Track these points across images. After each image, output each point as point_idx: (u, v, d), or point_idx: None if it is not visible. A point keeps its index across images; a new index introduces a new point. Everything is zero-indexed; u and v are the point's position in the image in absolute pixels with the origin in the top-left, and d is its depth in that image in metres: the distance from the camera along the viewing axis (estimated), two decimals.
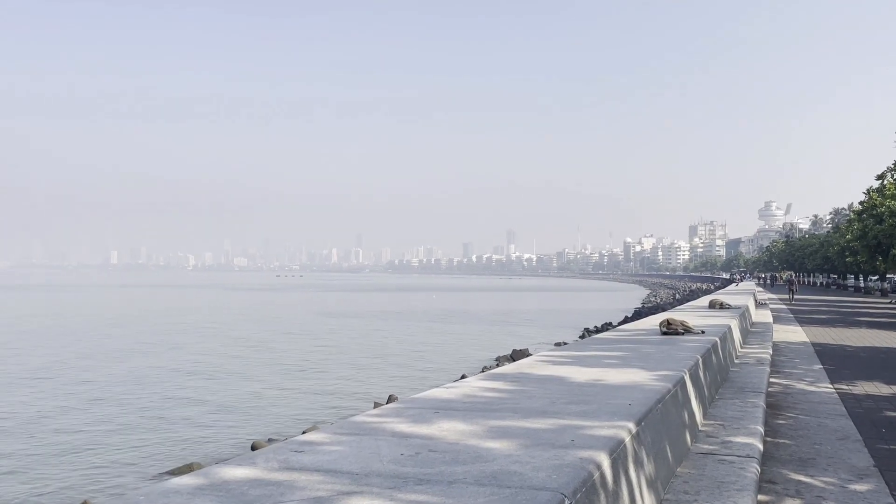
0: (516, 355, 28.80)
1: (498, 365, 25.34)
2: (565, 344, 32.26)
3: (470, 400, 4.64)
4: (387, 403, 17.98)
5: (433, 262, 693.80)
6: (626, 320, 44.91)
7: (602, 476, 3.09)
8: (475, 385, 5.31)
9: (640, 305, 73.12)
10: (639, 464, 3.77)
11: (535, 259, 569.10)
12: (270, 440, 15.00)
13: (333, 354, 30.78)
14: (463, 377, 22.21)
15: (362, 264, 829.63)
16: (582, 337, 37.20)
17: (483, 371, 21.77)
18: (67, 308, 67.19)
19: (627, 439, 3.69)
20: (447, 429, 3.73)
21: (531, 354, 25.58)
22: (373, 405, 17.05)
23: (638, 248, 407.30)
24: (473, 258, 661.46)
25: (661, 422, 4.62)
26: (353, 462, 3.08)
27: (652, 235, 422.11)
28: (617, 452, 3.42)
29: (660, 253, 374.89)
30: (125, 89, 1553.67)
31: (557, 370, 6.15)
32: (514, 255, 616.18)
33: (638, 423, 4.03)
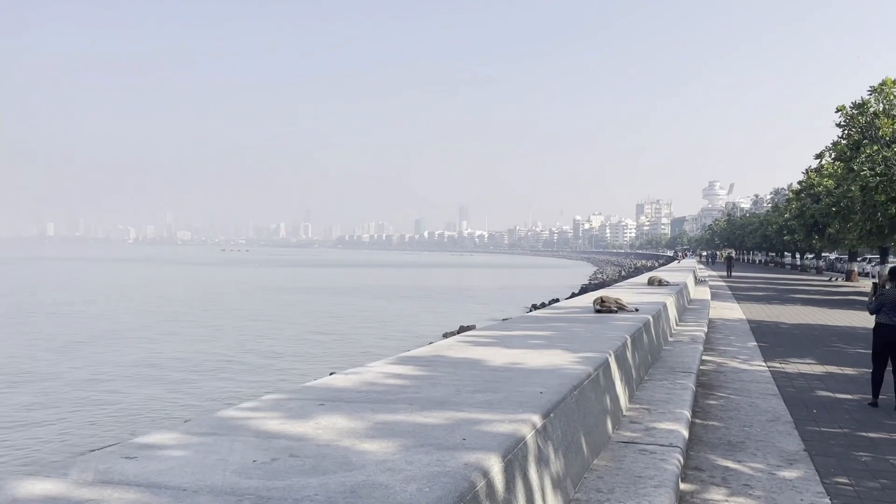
0: (462, 331, 28.54)
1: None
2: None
3: (366, 389, 4.14)
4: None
5: (384, 237, 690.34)
6: (573, 296, 45.16)
7: (489, 486, 2.62)
8: (379, 371, 4.81)
9: (587, 282, 73.82)
10: (542, 463, 3.33)
11: (486, 236, 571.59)
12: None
13: (276, 332, 29.96)
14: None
15: (311, 239, 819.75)
16: (529, 312, 37.22)
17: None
18: None
19: (529, 436, 3.23)
20: (324, 426, 3.23)
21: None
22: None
23: (587, 226, 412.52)
24: (426, 234, 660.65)
25: (575, 410, 4.20)
26: (188, 472, 2.54)
27: (601, 213, 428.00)
28: (513, 453, 2.96)
29: (608, 231, 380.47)
30: (71, 50, 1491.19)
31: (476, 352, 5.70)
32: (466, 232, 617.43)
33: (546, 416, 3.59)
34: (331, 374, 5.18)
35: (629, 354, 6.69)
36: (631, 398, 6.37)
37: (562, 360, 5.26)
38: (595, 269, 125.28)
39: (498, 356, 5.50)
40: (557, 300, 44.46)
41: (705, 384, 9.21)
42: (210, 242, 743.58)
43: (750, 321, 17.88)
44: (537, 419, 3.46)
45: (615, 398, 5.54)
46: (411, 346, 25.04)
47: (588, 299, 11.74)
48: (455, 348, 5.99)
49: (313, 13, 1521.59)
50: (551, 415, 3.69)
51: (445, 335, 28.09)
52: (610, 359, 5.66)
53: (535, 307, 42.51)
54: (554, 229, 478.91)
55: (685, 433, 5.46)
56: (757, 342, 13.88)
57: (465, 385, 4.27)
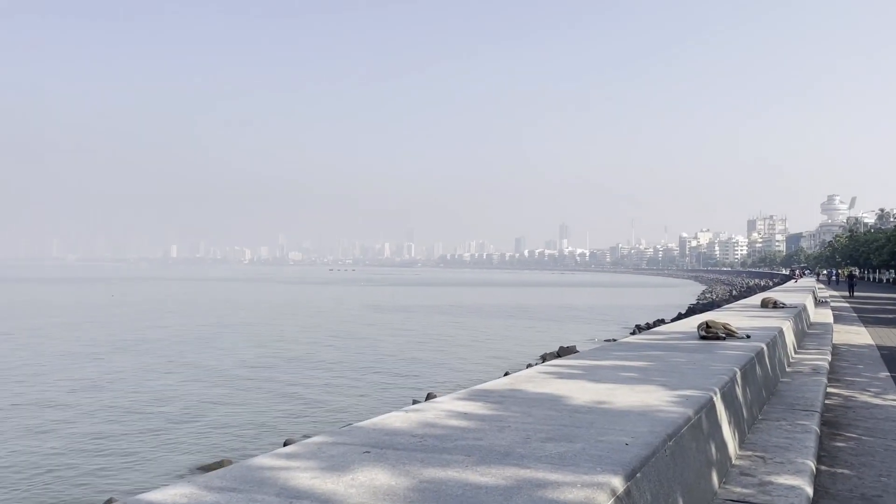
0: (563, 352, 27.66)
1: (544, 361, 24.23)
2: (613, 341, 30.88)
3: (422, 432, 3.63)
4: (425, 400, 17.09)
5: (485, 256, 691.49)
6: (679, 317, 43.06)
7: None
8: (444, 408, 4.29)
9: (694, 302, 70.55)
10: None
11: (588, 254, 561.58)
12: (305, 436, 14.28)
13: (376, 350, 30.03)
14: (507, 374, 21.22)
15: (414, 259, 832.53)
16: (633, 333, 35.67)
17: (528, 368, 20.72)
18: (106, 301, 68.51)
19: None
20: (360, 483, 2.74)
21: (578, 351, 24.30)
22: (411, 402, 16.18)
23: (694, 243, 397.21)
24: (525, 253, 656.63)
25: (670, 466, 3.51)
26: None
27: (708, 230, 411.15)
28: None
29: (717, 248, 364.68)
30: (191, 88, 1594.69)
31: (557, 386, 5.08)
32: (566, 250, 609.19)
33: (630, 476, 2.95)
34: (415, 400, 4.70)
35: (739, 391, 5.85)
36: (741, 443, 5.53)
37: (656, 399, 4.56)
38: (704, 288, 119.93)
39: (582, 392, 4.85)
40: (663, 321, 42.48)
41: (831, 422, 8.11)
42: (319, 262, 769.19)
43: (880, 347, 16.10)
44: (619, 483, 2.83)
45: (722, 445, 4.75)
46: (509, 367, 24.38)
47: (692, 323, 10.76)
48: (535, 381, 5.38)
49: (420, 43, 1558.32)
50: (638, 474, 3.04)
51: (544, 357, 27.25)
52: (715, 398, 4.89)
53: (639, 328, 40.80)
54: (658, 247, 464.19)
55: (809, 490, 4.60)
56: (890, 372, 12.36)
57: (538, 431, 3.68)
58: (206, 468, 12.20)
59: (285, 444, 13.02)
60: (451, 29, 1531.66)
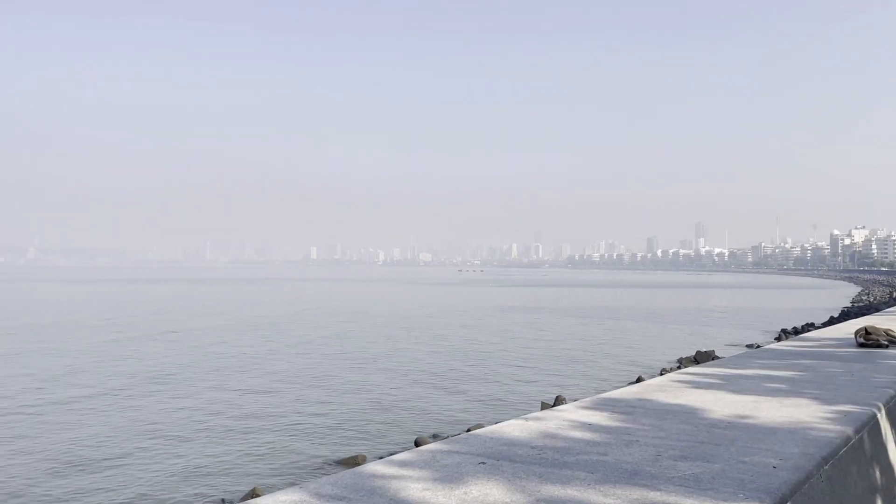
0: (700, 358, 26.24)
1: (679, 367, 23.12)
2: (757, 347, 28.92)
3: (541, 443, 3.40)
4: (553, 405, 16.70)
5: (615, 257, 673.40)
6: (832, 321, 39.72)
7: None
8: (566, 418, 4.03)
9: (848, 304, 64.97)
10: None
11: (726, 254, 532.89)
12: (435, 436, 14.38)
13: (501, 352, 29.92)
14: (639, 379, 20.35)
15: (542, 260, 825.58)
16: (778, 339, 33.29)
17: (662, 374, 19.91)
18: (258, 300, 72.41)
19: None
20: (472, 499, 2.57)
21: (717, 357, 22.95)
22: (539, 406, 15.87)
23: (847, 241, 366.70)
24: (658, 253, 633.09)
25: (827, 493, 3.08)
26: None
27: (864, 227, 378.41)
28: None
29: (874, 246, 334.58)
30: (317, 98, 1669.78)
31: (693, 397, 4.67)
32: (703, 250, 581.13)
33: None
34: (544, 404, 4.49)
35: None
36: None
37: (808, 415, 4.07)
38: (858, 289, 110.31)
39: (721, 405, 4.42)
40: (812, 325, 39.31)
41: None
42: (448, 263, 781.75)
43: None
44: None
45: (888, 470, 4.17)
46: (640, 373, 23.38)
47: (848, 329, 9.76)
48: (668, 390, 4.98)
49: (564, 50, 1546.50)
50: (788, 503, 2.66)
51: (680, 361, 25.97)
52: (879, 414, 4.31)
53: (785, 333, 38.03)
54: (807, 245, 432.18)
55: None
56: None
57: (670, 447, 3.34)
58: (344, 462, 12.52)
59: (417, 444, 13.12)
60: (591, 29, 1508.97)
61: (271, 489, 10.15)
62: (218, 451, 13.16)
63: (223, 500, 10.33)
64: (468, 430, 3.76)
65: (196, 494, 10.66)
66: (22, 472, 11.66)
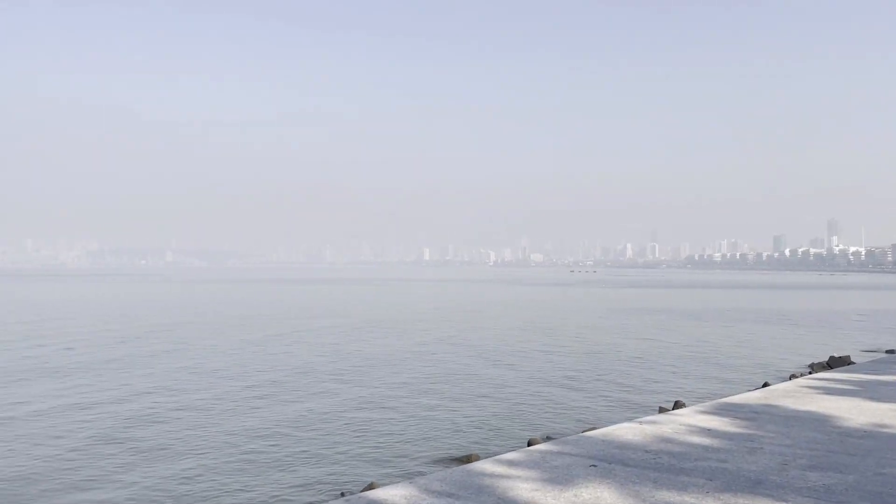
0: (834, 363, 24.55)
1: (811, 372, 21.74)
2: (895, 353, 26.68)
3: (656, 448, 3.28)
4: (672, 409, 16.11)
5: (738, 256, 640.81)
6: None
7: None
8: (683, 422, 3.87)
9: None
10: None
11: (863, 252, 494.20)
12: (548, 437, 14.28)
13: (617, 354, 29.20)
14: (766, 385, 19.36)
15: (658, 260, 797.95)
16: None
17: (790, 379, 18.84)
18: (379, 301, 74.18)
19: None
20: (583, 501, 2.52)
21: (853, 363, 21.39)
22: (657, 410, 15.39)
23: None
24: (786, 252, 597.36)
25: None
26: None
27: None
28: None
29: None
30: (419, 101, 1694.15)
31: (825, 404, 4.36)
32: (836, 249, 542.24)
33: None
34: (662, 408, 4.35)
35: None
36: None
37: None
38: None
39: (856, 412, 4.11)
40: None
41: None
42: (559, 264, 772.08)
43: None
44: None
45: None
46: (765, 378, 22.11)
47: None
48: (796, 396, 4.69)
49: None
50: None
51: (812, 367, 24.38)
52: None
53: None
54: None
55: None
56: None
57: (797, 455, 3.14)
58: (459, 460, 12.65)
59: (529, 444, 13.04)
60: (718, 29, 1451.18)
61: (386, 484, 10.38)
62: (341, 445, 13.61)
63: (342, 493, 10.69)
64: (583, 433, 3.68)
65: (320, 484, 11.09)
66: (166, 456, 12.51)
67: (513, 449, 12.67)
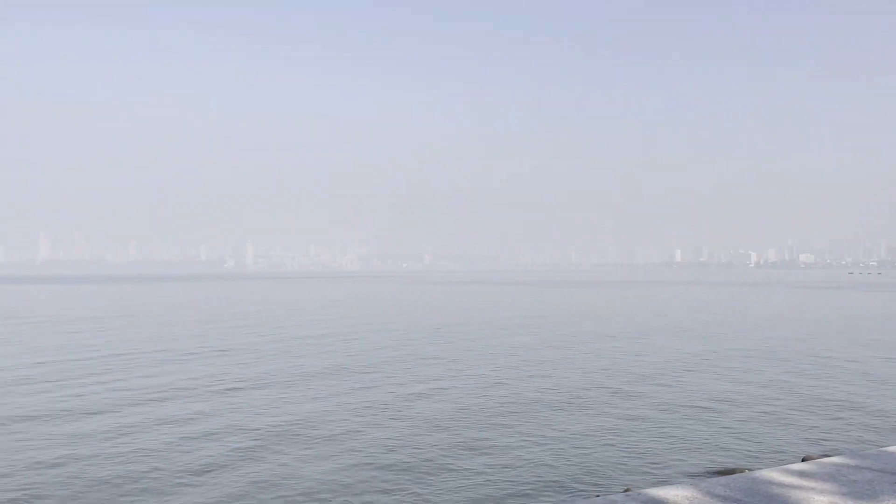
0: None
1: None
2: None
3: None
4: None
5: None
6: None
7: None
8: None
9: None
10: None
11: None
12: (825, 455, 13.07)
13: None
14: None
15: None
16: None
17: None
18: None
19: None
20: None
21: None
22: None
23: None
24: None
25: None
26: None
27: None
28: None
29: None
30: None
31: None
32: None
33: None
34: None
35: None
36: None
37: None
38: None
39: None
40: None
41: None
42: (835, 265, 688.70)
43: None
44: None
45: None
46: None
47: None
48: None
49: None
50: None
51: None
52: None
53: None
54: None
55: None
56: None
57: None
58: (718, 473, 12.07)
59: (803, 461, 11.94)
60: None
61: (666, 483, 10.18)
62: (595, 451, 13.62)
63: (626, 488, 10.72)
64: (883, 448, 3.36)
65: (607, 479, 11.28)
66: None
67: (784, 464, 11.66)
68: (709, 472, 12.07)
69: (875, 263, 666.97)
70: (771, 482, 2.83)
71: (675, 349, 30.18)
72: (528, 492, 11.00)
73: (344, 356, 26.83)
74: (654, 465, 12.68)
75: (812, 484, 2.76)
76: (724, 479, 2.97)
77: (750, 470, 12.16)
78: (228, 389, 19.75)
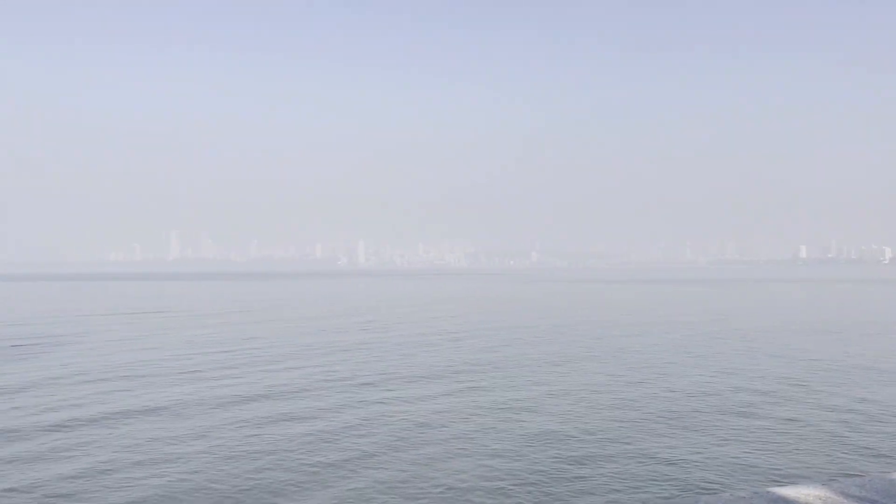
0: None
1: None
2: None
3: None
4: None
5: None
6: None
7: None
8: None
9: None
10: None
11: None
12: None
13: None
14: None
15: None
16: None
17: None
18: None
19: None
20: None
21: None
22: None
23: None
24: None
25: None
26: None
27: None
28: None
29: None
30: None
31: None
32: None
33: None
34: None
35: None
36: None
37: None
38: None
39: None
40: None
41: None
42: None
43: None
44: None
45: None
46: None
47: None
48: None
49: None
50: None
51: None
52: None
53: None
54: None
55: None
56: None
57: None
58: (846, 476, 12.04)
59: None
60: None
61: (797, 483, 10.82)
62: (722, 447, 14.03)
63: (755, 492, 11.35)
64: None
65: (725, 480, 11.96)
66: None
67: None
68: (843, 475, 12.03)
69: None
70: None
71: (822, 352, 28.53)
72: (672, 491, 11.18)
73: (489, 352, 27.91)
74: (793, 466, 12.75)
75: None
76: (858, 479, 3.40)
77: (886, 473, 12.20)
78: (378, 383, 20.90)
